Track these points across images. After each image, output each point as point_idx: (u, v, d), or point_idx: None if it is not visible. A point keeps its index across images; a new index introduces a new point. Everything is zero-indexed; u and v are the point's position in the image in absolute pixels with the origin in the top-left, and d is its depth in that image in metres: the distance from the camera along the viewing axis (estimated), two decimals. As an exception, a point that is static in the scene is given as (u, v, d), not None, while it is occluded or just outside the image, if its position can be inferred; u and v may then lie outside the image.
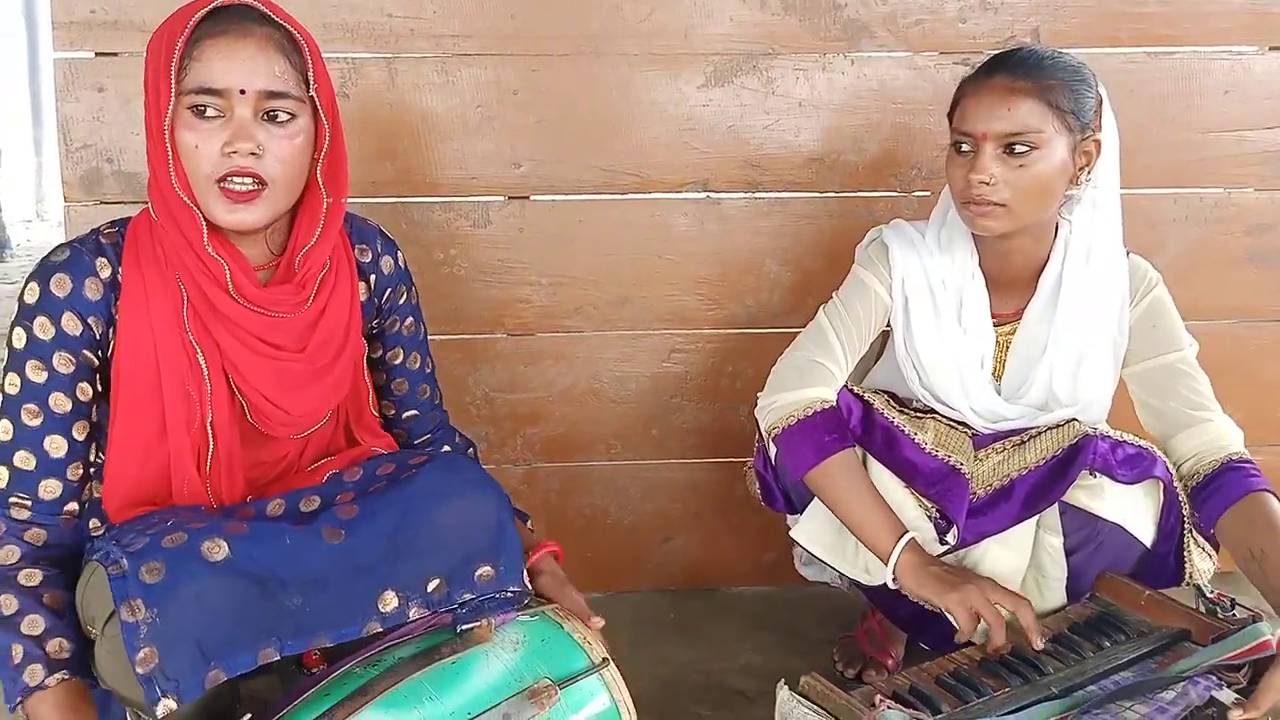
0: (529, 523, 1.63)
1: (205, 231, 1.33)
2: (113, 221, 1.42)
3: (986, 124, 1.52)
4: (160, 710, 1.17)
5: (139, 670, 1.17)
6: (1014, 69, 1.53)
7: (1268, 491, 1.53)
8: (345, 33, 1.95)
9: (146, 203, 1.38)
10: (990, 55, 1.63)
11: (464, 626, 1.36)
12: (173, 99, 1.29)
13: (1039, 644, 1.46)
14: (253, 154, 1.30)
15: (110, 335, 1.36)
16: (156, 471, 1.38)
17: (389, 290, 1.57)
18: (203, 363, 1.37)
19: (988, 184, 1.52)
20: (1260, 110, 2.11)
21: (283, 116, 1.32)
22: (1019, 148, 1.51)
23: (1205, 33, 2.08)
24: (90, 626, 1.29)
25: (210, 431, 1.39)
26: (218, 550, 1.23)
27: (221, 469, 1.41)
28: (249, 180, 1.31)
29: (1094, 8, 2.05)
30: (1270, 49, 2.10)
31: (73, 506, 1.38)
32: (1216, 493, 1.56)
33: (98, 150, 1.93)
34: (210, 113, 1.29)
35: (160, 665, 1.17)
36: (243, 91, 1.29)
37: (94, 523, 1.43)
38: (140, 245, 1.37)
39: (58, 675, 1.27)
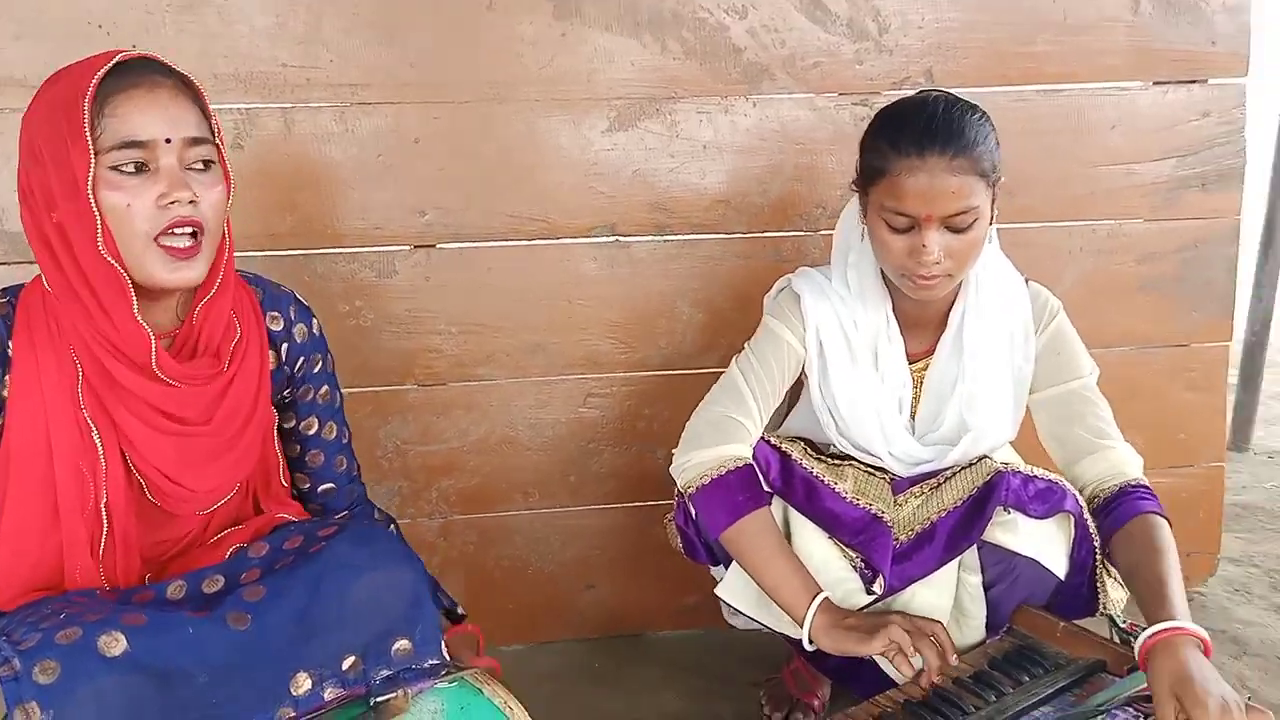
0: (458, 610, 1.58)
1: (135, 301, 1.27)
2: (2, 290, 1.35)
3: (930, 207, 1.50)
4: (58, 820, 1.10)
5: (36, 777, 1.10)
6: (945, 145, 1.50)
7: (1155, 514, 1.58)
8: (238, 82, 1.90)
9: (30, 261, 1.32)
10: (893, 107, 1.61)
11: (378, 699, 1.31)
12: (92, 160, 1.22)
13: (953, 660, 1.50)
14: (191, 202, 1.26)
15: (0, 412, 1.29)
16: (50, 556, 1.31)
17: (301, 359, 1.52)
18: (97, 441, 1.31)
19: (938, 262, 1.53)
20: (1147, 144, 2.18)
21: (206, 164, 1.29)
22: (961, 221, 1.52)
23: (1093, 70, 2.15)
24: (-20, 728, 1.21)
25: (105, 514, 1.32)
26: (115, 645, 1.16)
27: (117, 552, 1.34)
28: (189, 230, 1.27)
29: (985, 48, 2.10)
30: (1154, 84, 2.17)
31: None
32: (1109, 516, 1.60)
33: (-22, 210, 1.85)
34: (133, 169, 1.24)
35: (58, 771, 1.11)
36: (168, 140, 1.25)
37: (-16, 610, 1.36)
38: (32, 317, 1.30)
39: None
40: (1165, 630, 1.36)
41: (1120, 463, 1.65)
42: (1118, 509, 1.59)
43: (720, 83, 2.03)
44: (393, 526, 1.69)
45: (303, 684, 1.28)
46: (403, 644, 1.34)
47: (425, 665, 1.34)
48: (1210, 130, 2.19)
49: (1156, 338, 2.27)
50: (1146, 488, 1.62)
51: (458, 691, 1.36)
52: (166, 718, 1.19)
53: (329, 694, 1.30)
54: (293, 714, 1.28)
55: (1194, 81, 2.17)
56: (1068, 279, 2.19)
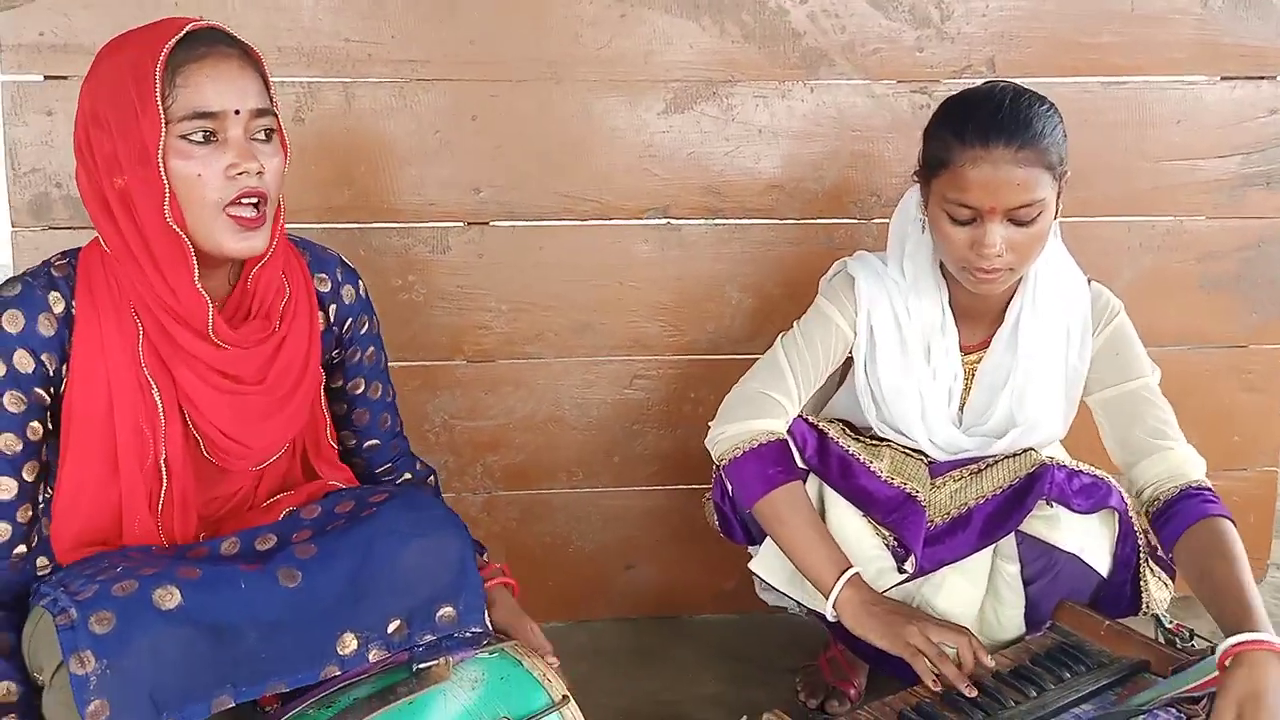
0: (485, 555, 1.61)
1: (197, 269, 1.30)
2: (63, 253, 1.39)
3: (994, 200, 1.48)
4: (109, 763, 1.14)
5: (89, 723, 1.13)
6: (1012, 137, 1.48)
7: (1222, 517, 1.55)
8: (301, 56, 1.92)
9: (87, 226, 1.35)
10: (959, 97, 1.59)
11: (421, 665, 1.34)
12: (163, 129, 1.25)
13: (989, 663, 1.47)
14: (259, 173, 1.28)
15: (63, 371, 1.33)
16: (108, 510, 1.35)
17: (349, 320, 1.55)
18: (157, 399, 1.34)
19: (1000, 255, 1.51)
20: (1211, 139, 2.14)
21: (268, 134, 1.32)
22: (1025, 215, 1.50)
23: (1158, 63, 2.11)
24: (37, 674, 1.25)
25: (164, 469, 1.35)
26: (169, 598, 1.20)
27: (175, 507, 1.37)
28: (254, 201, 1.30)
29: (1049, 38, 2.07)
30: (1221, 79, 2.13)
31: (21, 549, 1.34)
32: (1173, 519, 1.58)
33: (46, 175, 1.89)
34: (201, 138, 1.27)
35: (111, 718, 1.14)
36: (237, 112, 1.28)
37: (41, 561, 1.39)
38: (93, 278, 1.34)
39: (6, 719, 1.23)
40: (1254, 642, 1.34)
41: (1181, 464, 1.62)
42: (1181, 512, 1.56)
43: (778, 67, 2.03)
44: (433, 479, 1.72)
45: (349, 644, 1.31)
46: (447, 610, 1.37)
47: (468, 633, 1.36)
48: (1277, 128, 2.14)
49: (1214, 337, 2.23)
50: (1209, 490, 1.59)
51: (498, 662, 1.38)
52: (218, 670, 1.22)
53: (374, 655, 1.32)
54: (338, 673, 1.30)
55: (1263, 78, 2.13)
56: (1126, 275, 2.15)
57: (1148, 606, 1.63)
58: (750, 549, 1.83)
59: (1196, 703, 1.39)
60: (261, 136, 1.32)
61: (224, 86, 1.27)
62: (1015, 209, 1.49)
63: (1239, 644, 1.34)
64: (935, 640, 1.48)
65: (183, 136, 1.26)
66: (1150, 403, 1.66)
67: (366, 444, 1.64)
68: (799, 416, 1.70)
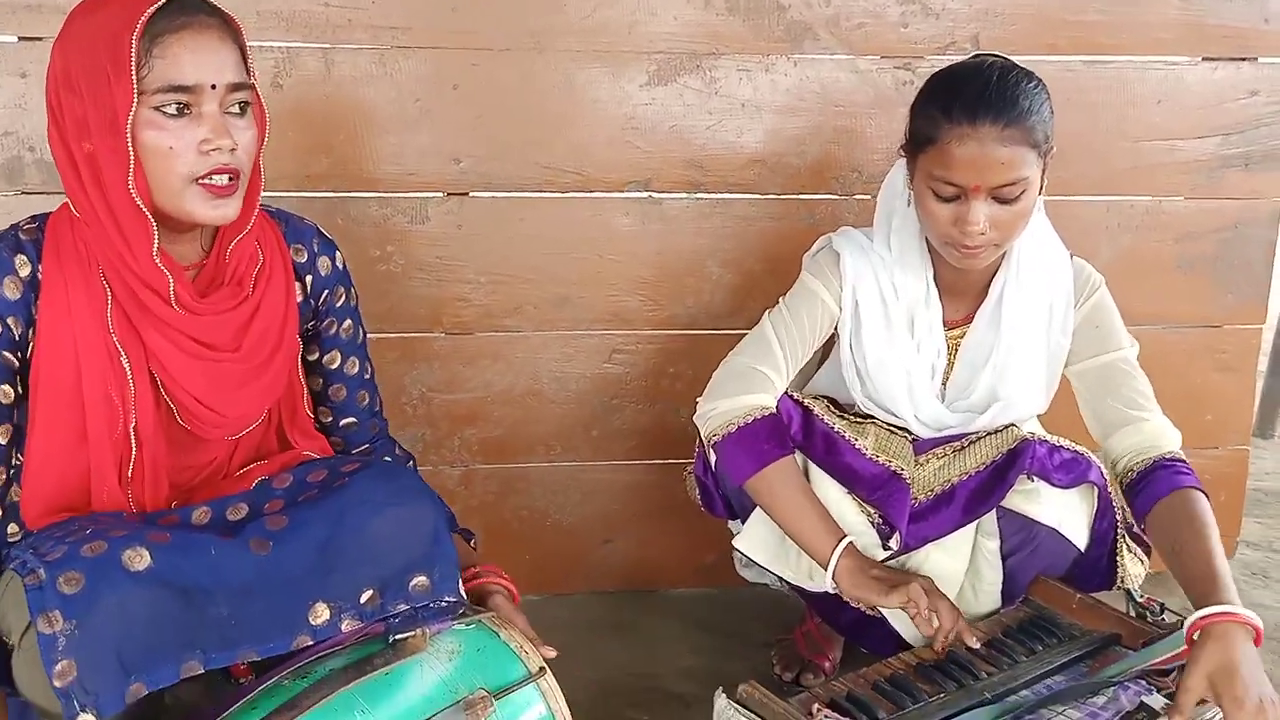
0: (472, 542, 1.60)
1: (156, 242, 1.28)
2: (33, 217, 1.37)
3: (979, 178, 1.48)
4: (79, 726, 1.12)
5: (57, 684, 1.12)
6: (999, 115, 1.47)
7: (1194, 489, 1.56)
8: (280, 21, 1.89)
9: (58, 192, 1.33)
10: (946, 72, 1.59)
11: (397, 636, 1.33)
12: (134, 100, 1.23)
13: (973, 643, 1.49)
14: (232, 149, 1.27)
15: (30, 336, 1.31)
16: (77, 478, 1.33)
17: (325, 292, 1.53)
18: (126, 366, 1.32)
19: (984, 233, 1.51)
20: (1192, 120, 2.15)
21: (242, 107, 1.30)
22: (1010, 193, 1.50)
23: (1142, 42, 2.11)
24: (7, 636, 1.23)
25: (134, 438, 1.34)
26: (139, 559, 1.18)
27: (145, 476, 1.36)
28: (226, 176, 1.28)
29: (1034, 15, 2.07)
30: (1203, 59, 2.14)
31: None
32: (1145, 490, 1.59)
33: (19, 139, 1.86)
34: (174, 110, 1.24)
35: (79, 678, 1.13)
36: (213, 86, 1.25)
37: (12, 528, 1.38)
38: (61, 242, 1.31)
39: None
40: (1221, 614, 1.35)
41: (1155, 435, 1.63)
42: (1154, 483, 1.57)
43: (762, 40, 2.02)
44: (411, 463, 1.71)
45: (321, 614, 1.30)
46: (420, 580, 1.35)
47: (443, 602, 1.36)
48: (1258, 109, 2.15)
49: (1189, 317, 2.24)
50: (1183, 462, 1.60)
51: (475, 633, 1.37)
52: (186, 634, 1.21)
53: (346, 625, 1.31)
54: (310, 642, 1.29)
55: (1244, 59, 2.14)
56: (1104, 255, 2.16)
57: (1122, 581, 1.65)
58: (730, 524, 1.84)
59: (1167, 675, 1.41)
60: (236, 110, 1.29)
61: (202, 60, 1.25)
62: (1000, 187, 1.49)
63: (1206, 617, 1.35)
64: (930, 603, 1.50)
65: (156, 108, 1.24)
66: (1127, 374, 1.67)
67: (344, 421, 1.62)
68: (785, 394, 1.70)
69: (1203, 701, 1.31)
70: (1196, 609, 1.38)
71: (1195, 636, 1.35)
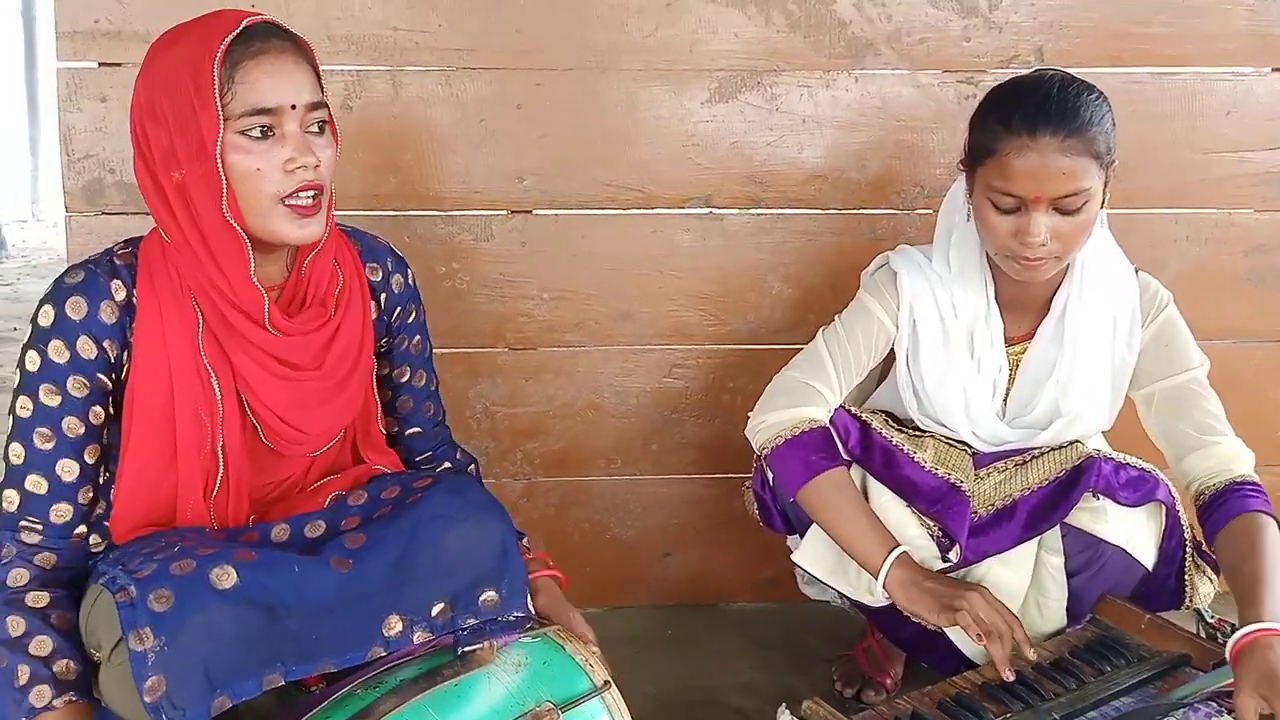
0: (525, 540, 1.63)
1: (253, 261, 1.32)
2: (126, 241, 1.41)
3: (1040, 189, 1.48)
4: (165, 738, 1.16)
5: (146, 699, 1.16)
6: (1059, 125, 1.47)
7: (1263, 513, 1.54)
8: (350, 45, 1.94)
9: (147, 213, 1.37)
10: (1006, 85, 1.59)
11: (466, 648, 1.36)
12: (221, 125, 1.27)
13: (1030, 654, 1.47)
14: (316, 166, 1.31)
15: (124, 358, 1.36)
16: (166, 495, 1.38)
17: (398, 309, 1.57)
18: (216, 387, 1.36)
19: (1045, 245, 1.51)
20: (1261, 131, 2.11)
21: (321, 126, 1.34)
22: (1071, 204, 1.50)
23: (1208, 54, 2.09)
24: (95, 650, 1.28)
25: (221, 456, 1.38)
26: (226, 578, 1.22)
27: (229, 493, 1.40)
28: (311, 193, 1.32)
29: (1098, 27, 2.05)
30: (1272, 70, 2.11)
31: (82, 529, 1.37)
32: (1216, 513, 1.57)
33: (100, 161, 1.92)
34: (259, 133, 1.29)
35: (168, 693, 1.17)
36: (293, 107, 1.30)
37: (94, 539, 1.42)
38: (154, 267, 1.36)
39: (65, 697, 1.26)
40: (1254, 632, 1.35)
41: (1228, 459, 1.61)
42: (1224, 506, 1.56)
43: (823, 56, 2.02)
44: (473, 467, 1.74)
45: (394, 626, 1.33)
46: (490, 595, 1.38)
47: (511, 617, 1.38)
48: (1329, 120, 2.12)
49: (1260, 331, 2.21)
50: (1255, 484, 1.58)
51: (541, 647, 1.40)
52: (269, 648, 1.24)
53: (418, 637, 1.34)
54: (384, 653, 1.33)
55: (1314, 69, 2.10)
56: (1172, 268, 2.13)
57: (1191, 601, 1.63)
58: (789, 540, 1.84)
59: (1238, 698, 1.39)
60: (315, 129, 1.34)
61: (280, 82, 1.29)
62: (1061, 198, 1.49)
63: (1242, 638, 1.36)
64: (984, 617, 1.48)
65: (241, 132, 1.28)
66: (1199, 395, 1.65)
67: (409, 431, 1.66)
68: (841, 407, 1.70)
69: (1266, 717, 1.29)
70: None
71: (1236, 659, 1.35)
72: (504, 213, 2.04)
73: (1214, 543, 1.56)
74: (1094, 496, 1.59)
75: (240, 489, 1.42)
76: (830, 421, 1.69)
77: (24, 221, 7.68)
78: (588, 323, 2.09)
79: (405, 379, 1.63)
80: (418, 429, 1.66)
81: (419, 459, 1.68)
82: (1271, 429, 2.23)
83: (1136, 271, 1.69)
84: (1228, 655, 1.37)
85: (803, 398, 1.69)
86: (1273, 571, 1.44)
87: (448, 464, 1.70)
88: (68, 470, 1.34)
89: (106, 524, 1.40)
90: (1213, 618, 1.56)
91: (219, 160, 1.28)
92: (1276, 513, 1.55)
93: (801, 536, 1.76)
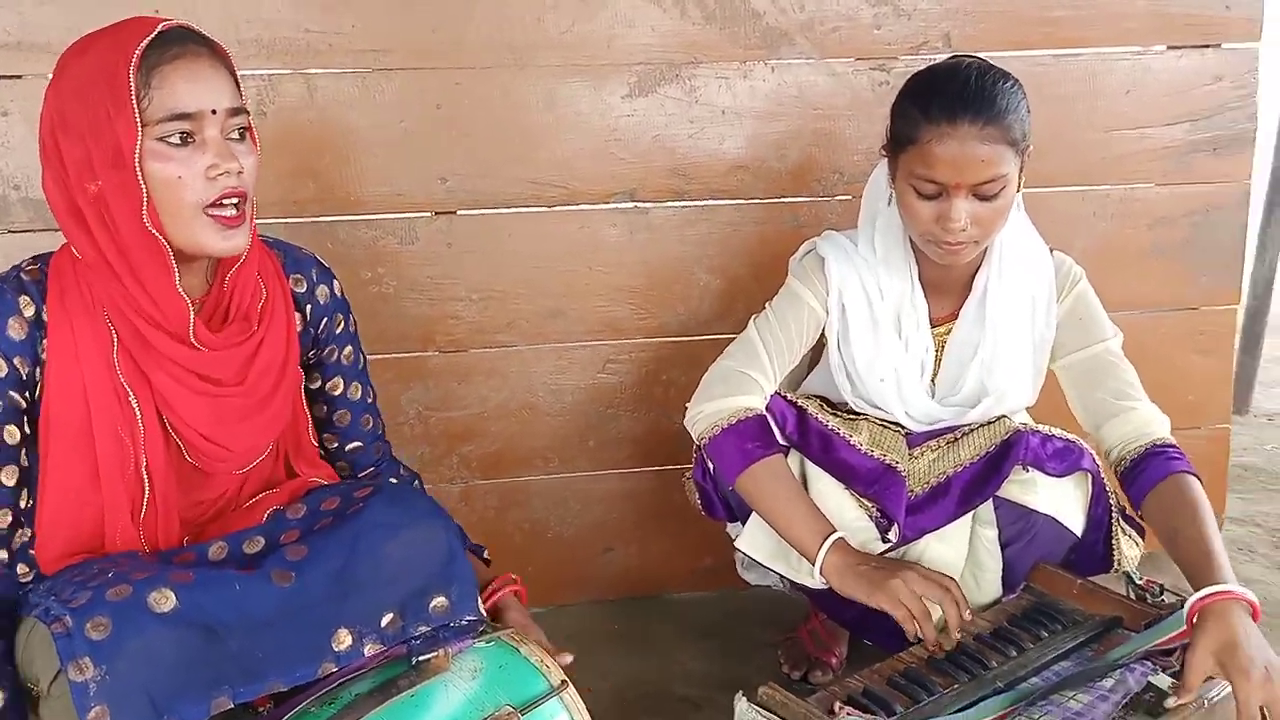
0: (484, 554, 1.62)
1: (177, 272, 1.28)
2: (34, 258, 1.36)
3: (959, 176, 1.51)
4: (113, 769, 1.13)
5: (90, 729, 1.13)
6: (977, 114, 1.51)
7: (1186, 473, 1.60)
8: (260, 48, 1.90)
9: (56, 229, 1.33)
10: (925, 74, 1.62)
11: (420, 657, 1.34)
12: (139, 133, 1.23)
13: (967, 615, 1.51)
14: (239, 173, 1.28)
15: (38, 376, 1.31)
16: (91, 519, 1.33)
17: (325, 320, 1.54)
18: (135, 405, 1.33)
19: (965, 230, 1.54)
20: (1160, 108, 2.20)
21: (241, 132, 1.31)
22: (989, 190, 1.53)
23: (1108, 34, 2.16)
24: (33, 685, 1.23)
25: (146, 476, 1.34)
26: (165, 601, 1.19)
27: (157, 514, 1.37)
28: (235, 200, 1.29)
29: (1004, 12, 2.11)
30: (1168, 48, 2.19)
31: (2, 555, 1.32)
32: (1140, 477, 1.63)
33: (4, 177, 1.86)
34: (179, 140, 1.25)
35: (112, 723, 1.13)
36: (213, 112, 1.27)
37: (21, 568, 1.37)
38: (65, 284, 1.32)
39: None
40: (1218, 594, 1.39)
41: (1145, 423, 1.67)
42: (1147, 469, 1.61)
43: (739, 48, 2.04)
44: (417, 483, 1.72)
45: (344, 640, 1.31)
46: (440, 600, 1.37)
47: (463, 622, 1.37)
48: (1223, 95, 2.21)
49: (1166, 301, 2.29)
50: (1174, 446, 1.64)
51: (496, 650, 1.39)
52: (215, 671, 1.22)
53: (369, 650, 1.32)
54: (335, 669, 1.30)
55: (1208, 46, 2.19)
56: (1080, 244, 2.20)
57: (1119, 564, 1.69)
58: (730, 527, 1.86)
59: (1170, 655, 1.45)
60: (236, 135, 1.31)
61: (199, 87, 1.26)
62: (980, 184, 1.53)
63: (1204, 597, 1.40)
64: (920, 593, 1.52)
65: (160, 139, 1.25)
66: (1114, 365, 1.71)
67: (349, 446, 1.63)
68: (777, 394, 1.73)
69: (1208, 679, 1.35)
70: (1195, 591, 1.42)
71: (1195, 618, 1.39)
72: (428, 214, 2.02)
73: (1141, 506, 1.62)
74: (1023, 469, 1.64)
75: (169, 510, 1.39)
76: (767, 408, 1.71)
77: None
78: (518, 322, 2.08)
79: (339, 391, 1.60)
80: (358, 443, 1.64)
81: (362, 475, 1.65)
82: (1180, 394, 2.31)
83: (1051, 250, 1.75)
84: (1185, 611, 1.42)
85: (738, 386, 1.71)
86: (1213, 530, 1.50)
87: (392, 479, 1.68)
88: None
89: (33, 552, 1.35)
90: (1141, 579, 1.62)
91: (138, 168, 1.24)
92: (1197, 471, 1.61)
93: (743, 524, 1.78)
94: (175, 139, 1.25)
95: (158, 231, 1.27)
